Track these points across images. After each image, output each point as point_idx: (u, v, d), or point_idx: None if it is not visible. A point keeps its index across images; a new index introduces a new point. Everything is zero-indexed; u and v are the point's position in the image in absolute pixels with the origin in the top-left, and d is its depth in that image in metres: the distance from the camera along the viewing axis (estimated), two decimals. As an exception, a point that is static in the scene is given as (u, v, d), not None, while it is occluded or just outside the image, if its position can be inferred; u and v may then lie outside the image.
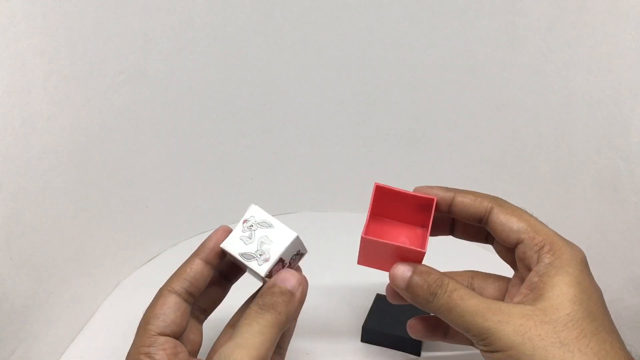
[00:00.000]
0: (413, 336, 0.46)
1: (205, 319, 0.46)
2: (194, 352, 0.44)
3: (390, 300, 0.46)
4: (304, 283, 0.41)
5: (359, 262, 0.45)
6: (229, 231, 0.43)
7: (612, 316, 0.40)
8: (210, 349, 0.42)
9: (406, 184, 0.71)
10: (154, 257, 0.65)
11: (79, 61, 0.53)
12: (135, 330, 0.41)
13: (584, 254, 0.41)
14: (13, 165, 0.46)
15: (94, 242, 0.57)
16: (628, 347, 0.39)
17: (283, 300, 0.40)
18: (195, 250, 0.44)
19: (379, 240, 0.41)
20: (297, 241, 0.42)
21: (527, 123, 0.63)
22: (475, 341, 0.39)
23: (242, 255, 0.42)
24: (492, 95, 0.64)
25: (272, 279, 0.41)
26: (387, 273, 0.43)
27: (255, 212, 0.43)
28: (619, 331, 0.39)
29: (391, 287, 0.44)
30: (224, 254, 0.43)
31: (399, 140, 0.69)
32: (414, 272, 0.41)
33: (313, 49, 0.65)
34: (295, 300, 0.40)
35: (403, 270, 0.41)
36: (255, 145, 0.69)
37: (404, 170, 0.71)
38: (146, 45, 0.58)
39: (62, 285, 0.53)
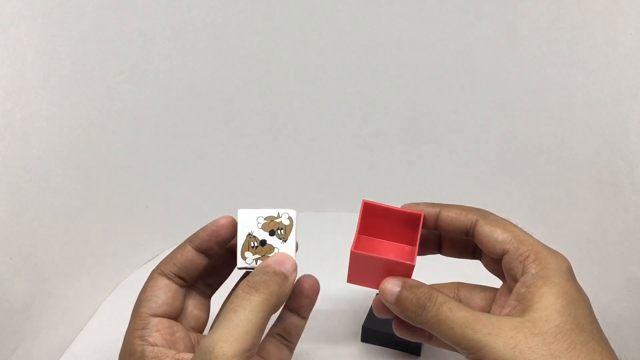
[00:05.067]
0: (398, 334, 0.46)
1: (213, 293, 0.45)
2: (199, 328, 0.44)
3: (377, 314, 0.45)
4: (296, 270, 0.41)
5: (348, 281, 0.44)
6: (231, 223, 0.43)
7: (612, 316, 0.40)
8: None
9: (406, 185, 0.71)
10: (154, 257, 0.65)
11: (79, 61, 0.53)
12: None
13: (569, 262, 0.41)
14: (13, 165, 0.46)
15: (94, 242, 0.57)
16: (618, 354, 0.39)
17: (275, 280, 0.38)
18: (189, 237, 0.43)
19: (369, 254, 0.41)
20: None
21: (527, 123, 0.63)
22: (466, 355, 0.39)
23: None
24: (492, 96, 0.64)
25: (266, 261, 0.40)
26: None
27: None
28: (619, 331, 0.39)
29: (378, 301, 0.43)
30: (219, 246, 0.43)
31: (399, 140, 0.69)
32: (403, 287, 0.41)
33: (313, 49, 0.65)
34: (289, 283, 0.39)
35: (392, 285, 0.41)
36: (255, 145, 0.68)
37: (403, 170, 0.71)
38: (146, 45, 0.58)
39: (62, 285, 0.53)
